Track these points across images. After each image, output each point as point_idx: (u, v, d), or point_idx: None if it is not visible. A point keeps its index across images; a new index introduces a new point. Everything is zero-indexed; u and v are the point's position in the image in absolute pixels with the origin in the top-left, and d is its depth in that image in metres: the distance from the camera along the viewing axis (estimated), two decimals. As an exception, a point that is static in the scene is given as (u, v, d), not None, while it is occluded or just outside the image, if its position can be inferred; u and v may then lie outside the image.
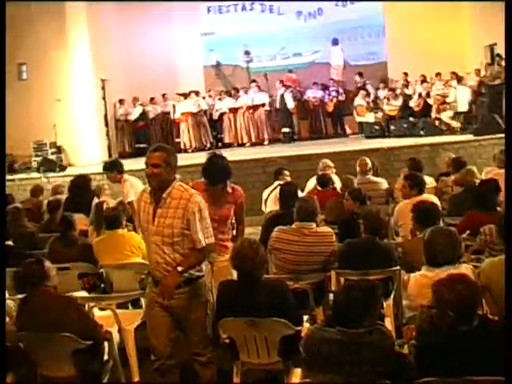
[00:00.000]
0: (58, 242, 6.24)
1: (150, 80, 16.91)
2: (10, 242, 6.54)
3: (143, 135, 16.63)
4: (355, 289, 3.40)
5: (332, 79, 16.93)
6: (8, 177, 13.16)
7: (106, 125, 16.31)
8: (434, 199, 6.40)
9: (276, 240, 5.45)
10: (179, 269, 4.06)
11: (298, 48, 18.11)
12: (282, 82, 16.30)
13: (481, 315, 3.33)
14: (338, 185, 8.18)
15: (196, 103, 16.09)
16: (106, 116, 16.32)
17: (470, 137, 12.09)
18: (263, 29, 17.92)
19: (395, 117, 15.29)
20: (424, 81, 15.62)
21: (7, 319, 4.47)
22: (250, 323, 4.08)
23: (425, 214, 5.18)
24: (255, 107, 16.18)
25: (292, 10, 17.96)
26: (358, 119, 16.04)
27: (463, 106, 14.09)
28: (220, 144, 16.37)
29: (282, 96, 15.98)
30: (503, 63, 12.51)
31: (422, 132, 13.79)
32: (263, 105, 16.20)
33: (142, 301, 5.31)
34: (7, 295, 5.02)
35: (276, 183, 8.20)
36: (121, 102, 16.67)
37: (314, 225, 5.49)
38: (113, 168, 7.84)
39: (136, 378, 4.95)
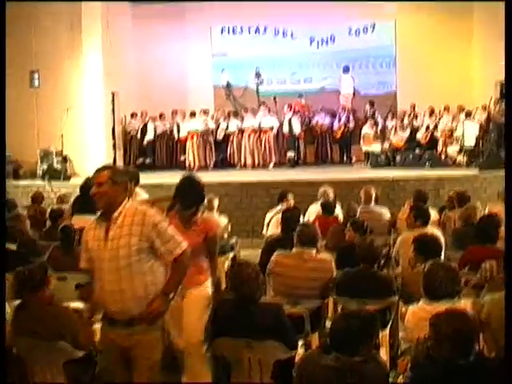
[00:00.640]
0: (58, 250, 6.24)
1: (160, 96, 17.03)
2: (11, 246, 6.54)
3: (150, 150, 16.70)
4: (354, 317, 3.40)
5: (343, 106, 17.00)
6: (13, 182, 13.20)
7: (114, 137, 16.36)
8: (437, 232, 6.39)
9: (275, 264, 5.44)
10: (167, 292, 3.80)
11: (308, 73, 18.17)
12: (290, 106, 16.34)
13: (477, 351, 3.31)
14: (339, 212, 8.18)
15: (204, 122, 16.09)
16: (113, 129, 16.37)
17: (476, 171, 12.11)
18: (275, 52, 18.00)
19: (402, 148, 15.32)
20: (432, 113, 15.69)
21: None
22: (246, 344, 4.06)
23: (426, 246, 5.18)
24: (263, 130, 16.21)
25: (305, 35, 18.05)
26: (365, 148, 16.06)
27: (470, 141, 14.10)
28: (224, 164, 16.40)
29: (290, 120, 16.04)
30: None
31: (427, 164, 13.81)
32: (271, 128, 16.24)
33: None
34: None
35: (279, 207, 8.20)
36: (132, 115, 16.73)
37: (314, 251, 5.49)
38: (132, 177, 7.86)
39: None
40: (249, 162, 16.20)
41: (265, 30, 18.19)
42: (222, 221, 8.72)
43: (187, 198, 5.04)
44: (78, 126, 15.16)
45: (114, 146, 16.35)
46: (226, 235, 8.69)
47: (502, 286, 4.33)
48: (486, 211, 7.68)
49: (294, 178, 12.42)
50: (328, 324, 4.69)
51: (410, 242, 5.69)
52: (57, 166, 14.55)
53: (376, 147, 15.54)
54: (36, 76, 15.52)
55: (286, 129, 16.14)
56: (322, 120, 16.78)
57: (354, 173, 13.87)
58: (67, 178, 13.81)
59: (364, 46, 17.85)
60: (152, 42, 17.45)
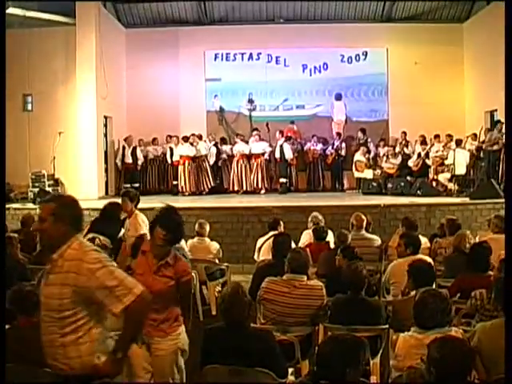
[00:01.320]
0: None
1: (153, 120, 17.12)
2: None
3: (140, 175, 16.73)
4: (339, 342, 3.34)
5: (337, 133, 17.11)
6: (3, 206, 13.12)
7: (106, 162, 16.36)
8: (428, 260, 6.39)
9: (266, 291, 5.40)
10: (118, 355, 3.18)
11: (301, 100, 18.31)
12: (281, 132, 16.45)
13: (468, 380, 3.30)
14: (330, 238, 8.17)
15: (195, 147, 16.15)
16: (106, 153, 16.39)
17: (467, 200, 12.15)
18: (268, 79, 18.17)
19: (393, 175, 15.41)
20: (423, 141, 15.80)
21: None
22: (236, 372, 4.02)
23: (422, 274, 5.16)
24: (254, 156, 16.26)
25: (298, 62, 18.21)
26: (357, 175, 16.15)
27: (461, 169, 14.19)
28: (215, 190, 16.41)
29: (282, 147, 16.12)
30: (503, 129, 12.65)
31: (418, 192, 13.85)
32: (263, 154, 16.29)
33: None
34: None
35: (271, 233, 8.18)
36: (126, 140, 16.74)
37: (305, 277, 5.45)
38: (134, 198, 7.82)
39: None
40: (236, 188, 16.24)
41: (258, 56, 18.33)
42: (214, 246, 8.70)
43: (164, 230, 4.40)
44: (71, 149, 15.19)
45: (106, 170, 16.35)
46: (217, 260, 8.67)
47: (493, 314, 4.33)
48: (477, 239, 7.69)
49: (286, 204, 12.40)
50: (318, 351, 4.65)
51: (400, 269, 5.68)
52: (48, 188, 14.51)
53: (368, 174, 15.62)
54: (29, 99, 15.58)
55: (277, 155, 16.22)
56: (314, 146, 16.86)
57: (345, 199, 13.90)
58: (58, 201, 13.71)
59: (356, 73, 18.05)
60: (146, 66, 17.58)
